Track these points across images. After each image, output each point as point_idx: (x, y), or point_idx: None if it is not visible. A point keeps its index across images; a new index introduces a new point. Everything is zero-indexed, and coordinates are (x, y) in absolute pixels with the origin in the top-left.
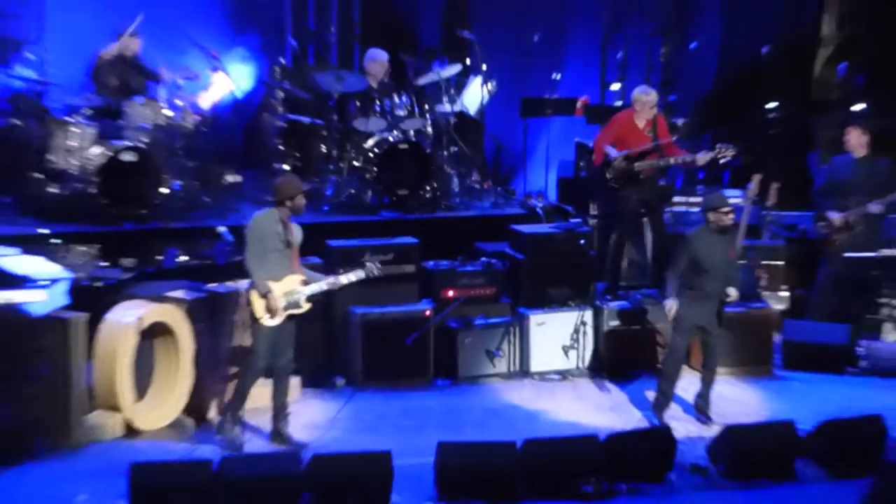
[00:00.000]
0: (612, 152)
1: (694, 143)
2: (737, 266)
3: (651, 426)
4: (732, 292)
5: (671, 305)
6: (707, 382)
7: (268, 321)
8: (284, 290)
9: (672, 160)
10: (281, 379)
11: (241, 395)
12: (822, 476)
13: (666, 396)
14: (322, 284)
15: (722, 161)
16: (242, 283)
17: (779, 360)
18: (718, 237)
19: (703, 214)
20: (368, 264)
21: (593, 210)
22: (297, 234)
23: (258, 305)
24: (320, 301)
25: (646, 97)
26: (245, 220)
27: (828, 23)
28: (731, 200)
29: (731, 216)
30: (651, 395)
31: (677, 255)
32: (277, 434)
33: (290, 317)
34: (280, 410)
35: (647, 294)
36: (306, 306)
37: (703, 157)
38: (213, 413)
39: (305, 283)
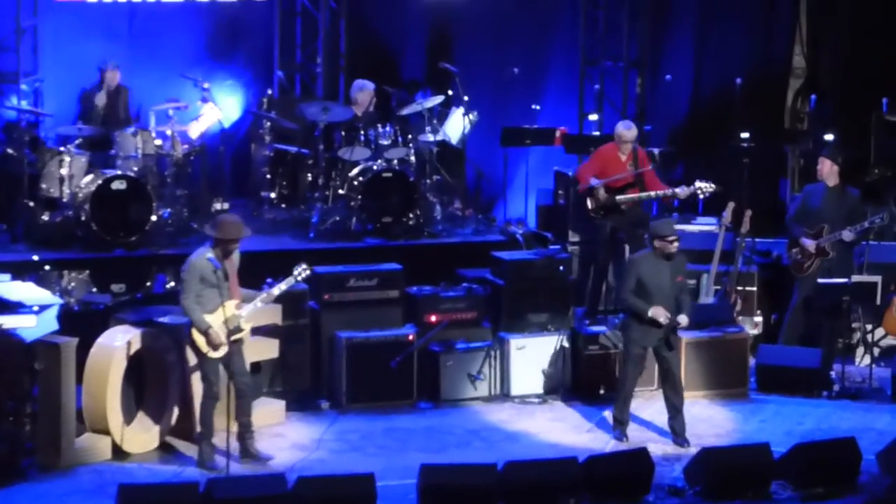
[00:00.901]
0: (596, 182)
1: (668, 172)
2: (686, 291)
3: (629, 449)
4: (683, 320)
5: (656, 311)
6: (674, 405)
7: (214, 354)
8: (223, 320)
9: (654, 194)
10: (242, 399)
11: (206, 424)
12: (796, 498)
13: (622, 416)
14: (257, 302)
15: (702, 197)
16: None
17: (753, 384)
18: (664, 263)
19: (650, 241)
20: (296, 269)
21: (573, 237)
22: (234, 260)
23: (201, 341)
24: (305, 325)
25: (628, 133)
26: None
27: (799, 54)
28: (705, 228)
29: (676, 244)
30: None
31: (624, 278)
32: (245, 452)
33: (236, 341)
34: (245, 429)
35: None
36: (248, 327)
37: (683, 192)
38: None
39: (242, 305)
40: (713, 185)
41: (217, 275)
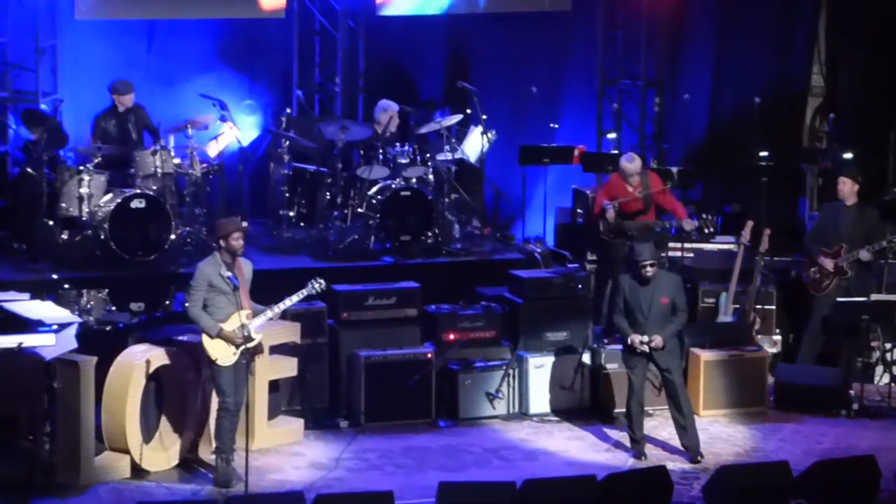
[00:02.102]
0: (608, 204)
1: (687, 191)
2: (680, 312)
3: (648, 467)
4: (655, 340)
5: (632, 338)
6: (680, 424)
7: (223, 362)
8: (232, 328)
9: (660, 224)
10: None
11: (222, 440)
12: None
13: (635, 435)
14: (268, 313)
15: (706, 231)
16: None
17: (772, 402)
18: (645, 285)
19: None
20: (311, 282)
21: (591, 256)
22: (245, 270)
23: (212, 349)
24: (324, 344)
25: (629, 165)
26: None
27: (817, 73)
28: (724, 246)
29: (650, 268)
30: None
31: (613, 300)
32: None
33: (244, 352)
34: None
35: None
36: (258, 337)
37: (689, 225)
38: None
39: (252, 315)
40: (714, 223)
41: (226, 279)
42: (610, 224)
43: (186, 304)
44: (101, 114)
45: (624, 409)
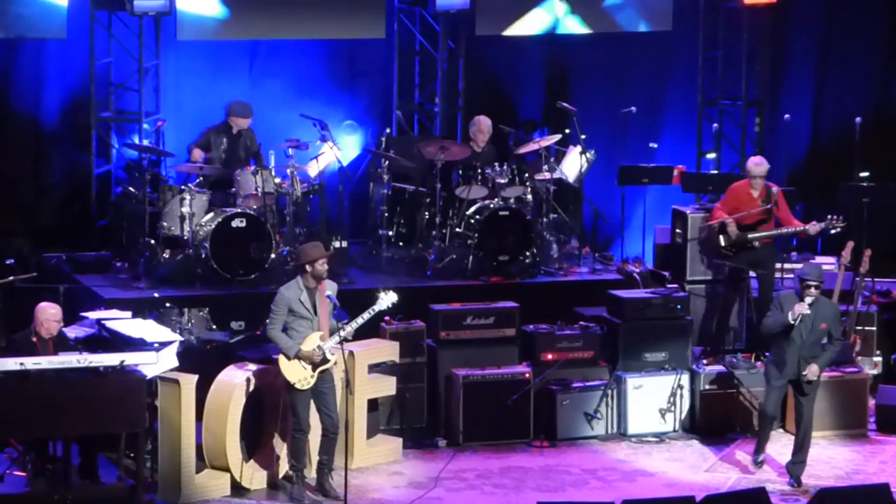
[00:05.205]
0: (728, 219)
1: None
2: (834, 341)
3: (747, 489)
4: (811, 371)
5: (796, 308)
6: (797, 446)
7: (301, 385)
8: (309, 348)
9: (785, 230)
10: (325, 437)
11: (297, 458)
12: None
13: (759, 446)
14: (341, 332)
15: (833, 231)
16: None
17: (873, 424)
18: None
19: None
20: (381, 295)
21: (692, 276)
22: (328, 290)
23: (289, 373)
24: (422, 363)
25: (755, 168)
26: (352, 286)
27: None
28: (825, 267)
29: (812, 290)
30: (745, 457)
31: (771, 311)
32: (320, 486)
33: (323, 374)
34: (323, 465)
35: (743, 358)
36: (333, 358)
37: (814, 228)
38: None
39: (328, 336)
40: (843, 220)
41: (306, 305)
42: (731, 238)
43: (267, 327)
44: (214, 127)
45: (729, 429)
